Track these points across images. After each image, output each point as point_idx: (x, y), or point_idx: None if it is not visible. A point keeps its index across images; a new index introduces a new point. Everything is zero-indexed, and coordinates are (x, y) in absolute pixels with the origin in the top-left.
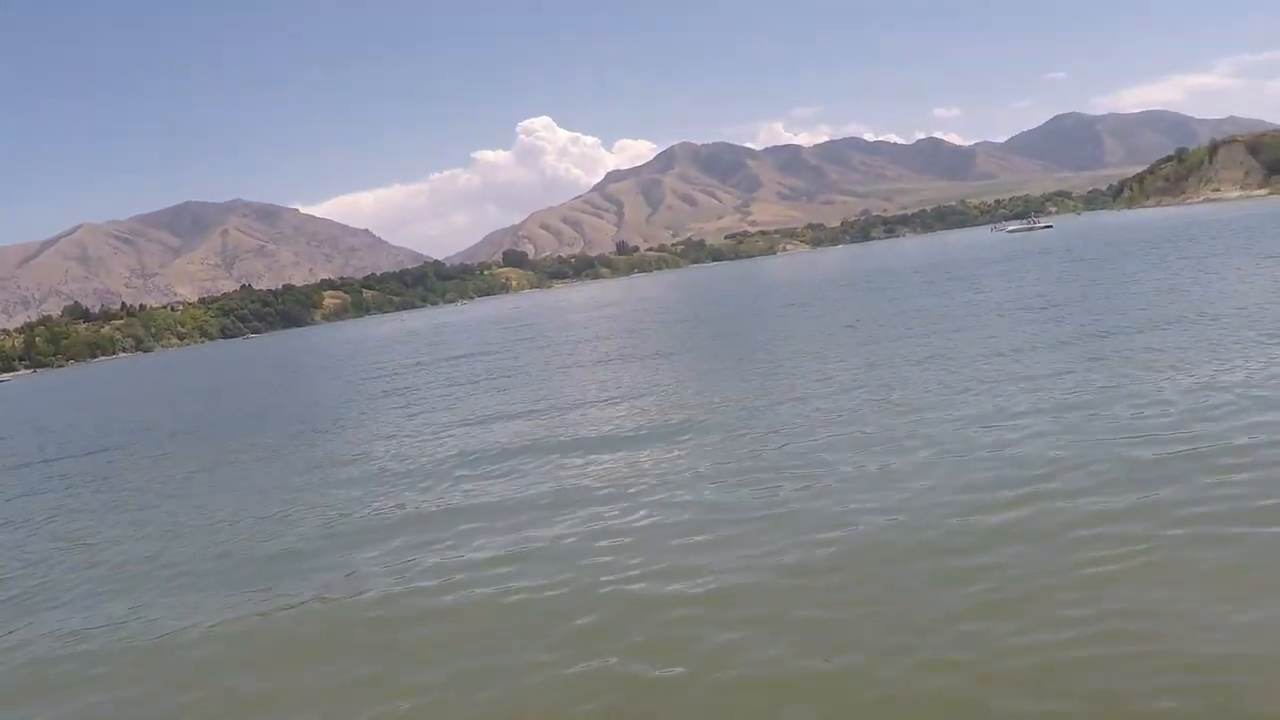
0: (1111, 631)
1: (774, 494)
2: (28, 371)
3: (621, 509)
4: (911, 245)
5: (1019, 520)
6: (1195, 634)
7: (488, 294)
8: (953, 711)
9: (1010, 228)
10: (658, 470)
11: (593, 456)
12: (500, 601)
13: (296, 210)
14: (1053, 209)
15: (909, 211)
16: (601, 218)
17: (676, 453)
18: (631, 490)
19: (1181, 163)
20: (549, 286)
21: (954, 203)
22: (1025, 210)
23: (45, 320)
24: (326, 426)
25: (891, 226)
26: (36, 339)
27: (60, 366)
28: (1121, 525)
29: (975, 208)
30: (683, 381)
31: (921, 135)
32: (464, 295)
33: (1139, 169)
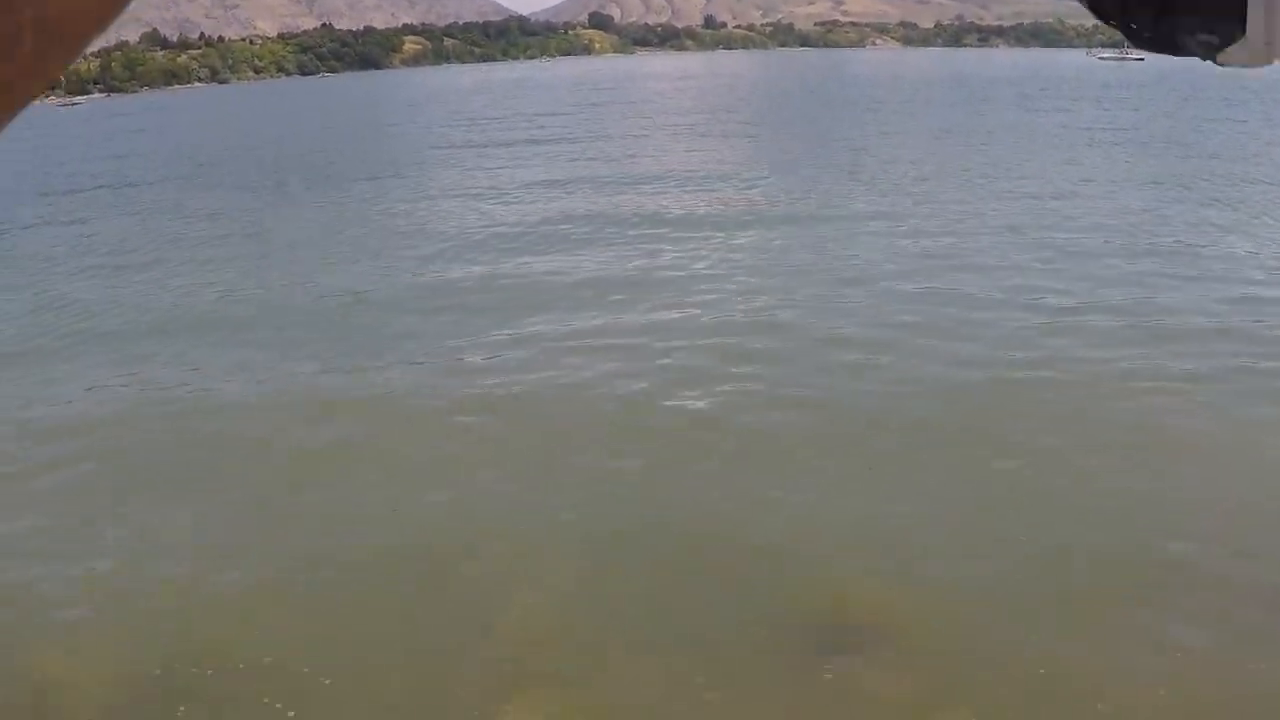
0: (1155, 470)
1: (835, 307)
2: (101, 95)
3: (678, 301)
4: (1003, 57)
5: (1081, 359)
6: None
7: (569, 54)
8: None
9: (1102, 55)
10: (724, 260)
11: (662, 235)
12: (543, 383)
13: None
14: None
15: (1005, 23)
16: None
17: (744, 242)
18: (693, 279)
19: None
20: (632, 53)
21: (1052, 20)
22: (1122, 40)
23: (122, 45)
24: (408, 174)
25: (985, 36)
26: (113, 63)
27: (134, 92)
28: (1187, 381)
29: (1073, 29)
30: (763, 167)
31: None
32: (546, 53)
33: None
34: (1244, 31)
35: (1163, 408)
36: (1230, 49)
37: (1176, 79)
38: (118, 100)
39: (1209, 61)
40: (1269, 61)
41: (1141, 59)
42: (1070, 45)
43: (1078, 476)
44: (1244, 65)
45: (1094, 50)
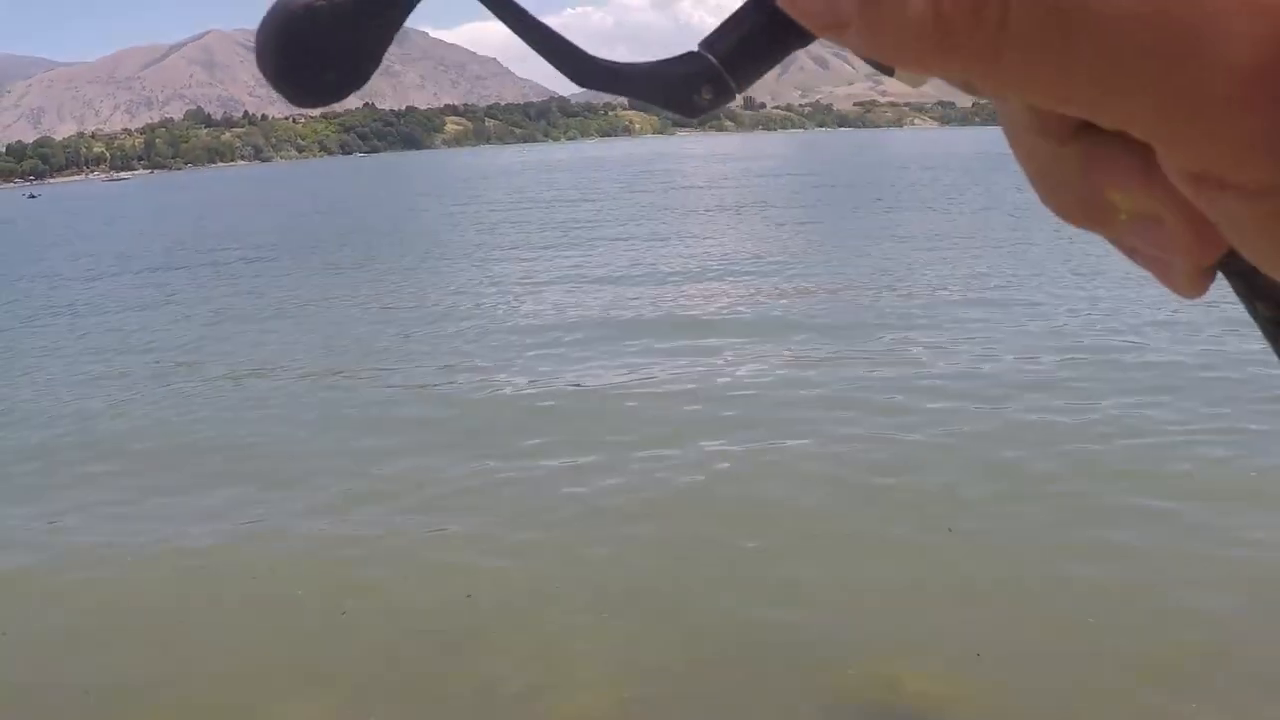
0: None
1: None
2: (145, 172)
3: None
4: None
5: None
6: None
7: (609, 135)
8: None
9: None
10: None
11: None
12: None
13: (426, 33)
14: None
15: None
16: None
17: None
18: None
19: None
20: (671, 133)
21: None
22: None
23: (166, 122)
24: (453, 262)
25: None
26: (157, 140)
27: (178, 169)
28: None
29: None
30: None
31: None
32: (586, 134)
33: None
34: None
35: None
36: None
37: None
38: (161, 176)
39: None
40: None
41: None
42: None
43: (1190, 555)
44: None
45: None
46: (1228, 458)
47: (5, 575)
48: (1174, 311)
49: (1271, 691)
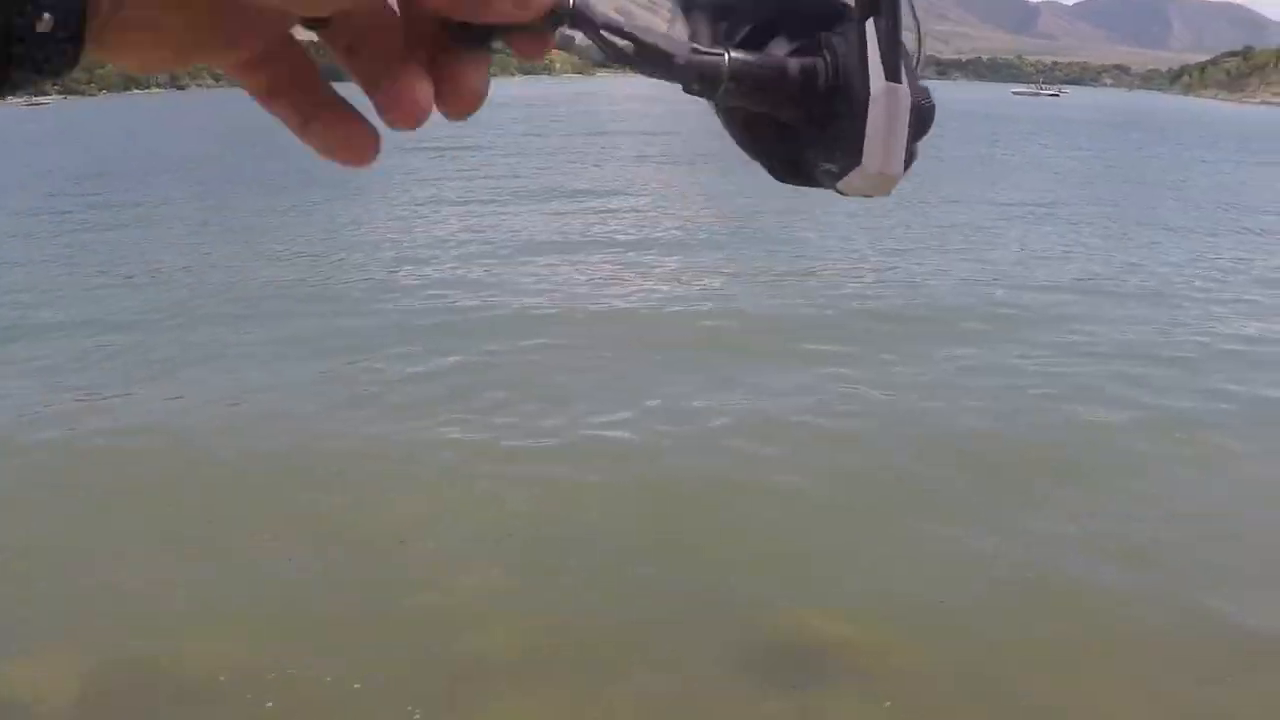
0: None
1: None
2: (59, 98)
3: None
4: (961, 92)
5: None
6: None
7: (529, 74)
8: None
9: (1015, 89)
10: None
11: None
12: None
13: None
14: (1109, 81)
15: (964, 58)
16: None
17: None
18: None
19: (1247, 60)
20: (592, 74)
21: (1011, 57)
22: (1081, 77)
23: None
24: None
25: (944, 69)
26: None
27: (92, 95)
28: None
29: (1031, 65)
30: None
31: None
32: (506, 71)
33: (1202, 58)
34: (860, 161)
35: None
36: (849, 177)
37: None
38: (75, 102)
39: (833, 190)
40: (886, 191)
41: (1056, 94)
42: (1028, 81)
43: (1101, 508)
44: (863, 194)
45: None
46: None
47: None
48: None
49: None
